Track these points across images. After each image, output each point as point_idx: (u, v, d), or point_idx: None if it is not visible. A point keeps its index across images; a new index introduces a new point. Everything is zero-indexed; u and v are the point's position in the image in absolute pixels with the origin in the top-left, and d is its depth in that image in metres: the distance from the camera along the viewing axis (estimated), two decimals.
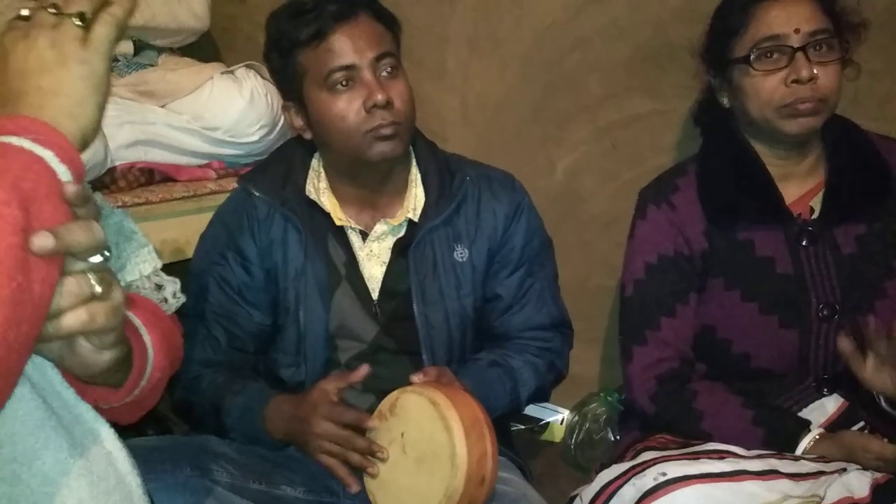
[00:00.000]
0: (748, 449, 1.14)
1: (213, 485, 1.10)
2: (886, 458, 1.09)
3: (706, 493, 1.00)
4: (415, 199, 1.28)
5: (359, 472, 1.10)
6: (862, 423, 1.20)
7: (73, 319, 0.62)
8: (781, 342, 1.24)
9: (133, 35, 1.72)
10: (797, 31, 1.18)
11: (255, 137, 1.69)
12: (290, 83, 1.23)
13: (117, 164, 1.55)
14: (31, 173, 0.59)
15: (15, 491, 0.65)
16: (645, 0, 1.63)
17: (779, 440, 1.16)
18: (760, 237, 1.27)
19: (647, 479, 1.03)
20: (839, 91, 1.22)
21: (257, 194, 1.28)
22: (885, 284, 1.24)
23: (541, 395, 1.37)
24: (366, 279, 1.27)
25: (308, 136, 1.26)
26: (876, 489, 1.01)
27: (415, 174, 1.30)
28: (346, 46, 1.16)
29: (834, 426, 1.20)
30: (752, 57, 1.21)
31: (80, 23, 0.66)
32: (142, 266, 0.94)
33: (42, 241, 0.57)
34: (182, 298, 1.00)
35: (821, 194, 1.28)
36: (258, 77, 1.69)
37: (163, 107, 1.66)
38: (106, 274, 0.64)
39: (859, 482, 1.02)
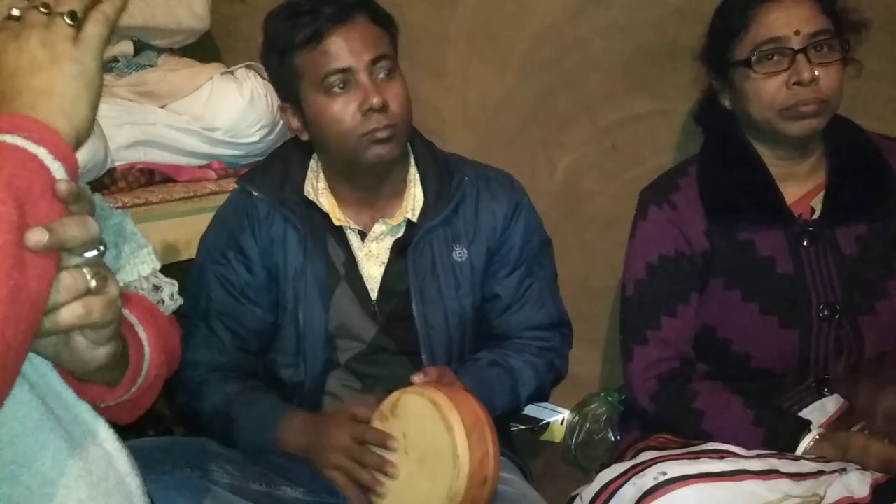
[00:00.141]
0: (748, 449, 1.14)
1: (212, 485, 1.10)
2: (886, 459, 1.09)
3: (706, 492, 1.00)
4: (413, 199, 1.28)
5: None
6: (862, 424, 1.20)
7: (69, 314, 0.62)
8: (782, 342, 1.24)
9: (133, 35, 1.72)
10: (797, 32, 1.18)
11: (255, 138, 1.70)
12: (286, 85, 1.23)
13: (117, 164, 1.55)
14: (25, 171, 0.59)
15: (14, 492, 0.65)
16: (645, 0, 1.63)
17: (779, 440, 1.16)
18: (761, 237, 1.26)
19: (648, 479, 1.03)
20: (841, 91, 1.22)
21: (256, 194, 1.28)
22: (886, 285, 1.24)
23: (540, 395, 1.37)
24: (365, 279, 1.27)
25: (305, 137, 1.26)
26: (876, 489, 1.01)
27: (413, 174, 1.30)
28: (343, 49, 1.16)
29: (834, 426, 1.20)
30: (752, 60, 1.21)
31: (71, 22, 0.66)
32: (140, 267, 0.95)
33: (37, 236, 0.57)
34: (179, 300, 1.00)
35: (822, 195, 1.28)
36: (258, 77, 1.69)
37: (163, 107, 1.66)
38: (101, 268, 0.64)
39: (859, 482, 1.02)
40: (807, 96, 1.19)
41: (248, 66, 1.72)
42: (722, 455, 1.11)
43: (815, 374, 1.25)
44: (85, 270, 0.63)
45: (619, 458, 1.28)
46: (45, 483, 0.66)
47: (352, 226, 1.27)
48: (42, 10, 0.66)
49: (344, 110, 1.17)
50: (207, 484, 1.10)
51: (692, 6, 1.53)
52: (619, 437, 1.60)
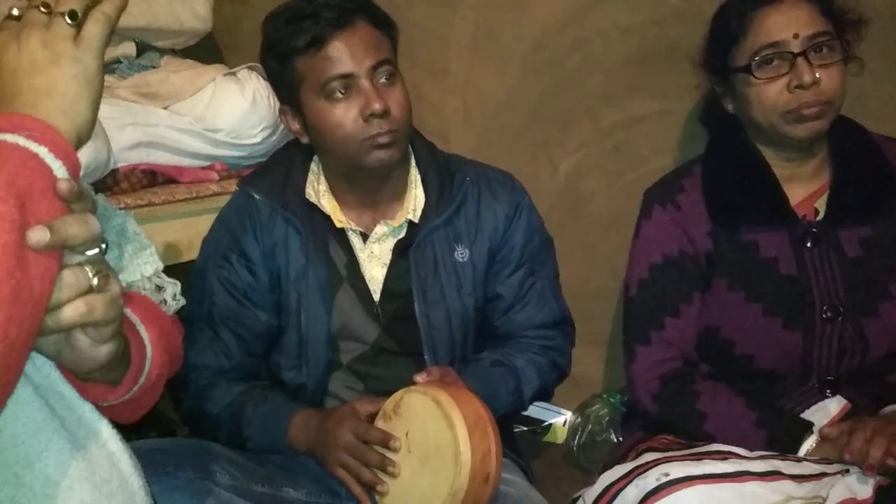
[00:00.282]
0: (751, 450, 1.14)
1: (214, 487, 1.10)
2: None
3: (709, 493, 1.00)
4: (415, 200, 1.28)
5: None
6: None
7: (71, 312, 0.62)
8: (785, 343, 1.24)
9: (135, 37, 1.72)
10: (796, 36, 1.18)
11: (258, 139, 1.69)
12: (286, 88, 1.22)
13: (120, 165, 1.55)
14: (26, 170, 0.59)
15: (17, 493, 0.65)
16: (646, 1, 1.63)
17: (781, 442, 1.16)
18: (765, 238, 1.26)
19: (650, 480, 1.03)
20: (843, 92, 1.21)
21: (258, 197, 1.28)
22: (890, 286, 1.23)
23: (544, 394, 1.37)
24: (367, 280, 1.27)
25: (305, 139, 1.26)
26: (879, 490, 1.01)
27: (414, 175, 1.30)
28: (344, 55, 1.15)
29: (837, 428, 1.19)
30: (752, 65, 1.20)
31: (71, 21, 0.66)
32: (143, 267, 0.95)
33: (38, 235, 0.57)
34: (182, 301, 1.00)
35: (826, 196, 1.27)
36: (260, 79, 1.69)
37: (165, 108, 1.66)
38: (103, 266, 0.64)
39: (862, 483, 1.02)
40: (809, 99, 1.18)
41: (251, 68, 1.71)
42: (725, 456, 1.11)
43: (818, 375, 1.25)
44: (87, 268, 0.63)
45: (622, 460, 1.29)
46: (47, 484, 0.66)
47: (353, 227, 1.27)
48: (42, 9, 0.67)
49: (345, 116, 1.17)
50: (210, 485, 1.10)
51: (694, 7, 1.53)
52: (621, 439, 1.60)
